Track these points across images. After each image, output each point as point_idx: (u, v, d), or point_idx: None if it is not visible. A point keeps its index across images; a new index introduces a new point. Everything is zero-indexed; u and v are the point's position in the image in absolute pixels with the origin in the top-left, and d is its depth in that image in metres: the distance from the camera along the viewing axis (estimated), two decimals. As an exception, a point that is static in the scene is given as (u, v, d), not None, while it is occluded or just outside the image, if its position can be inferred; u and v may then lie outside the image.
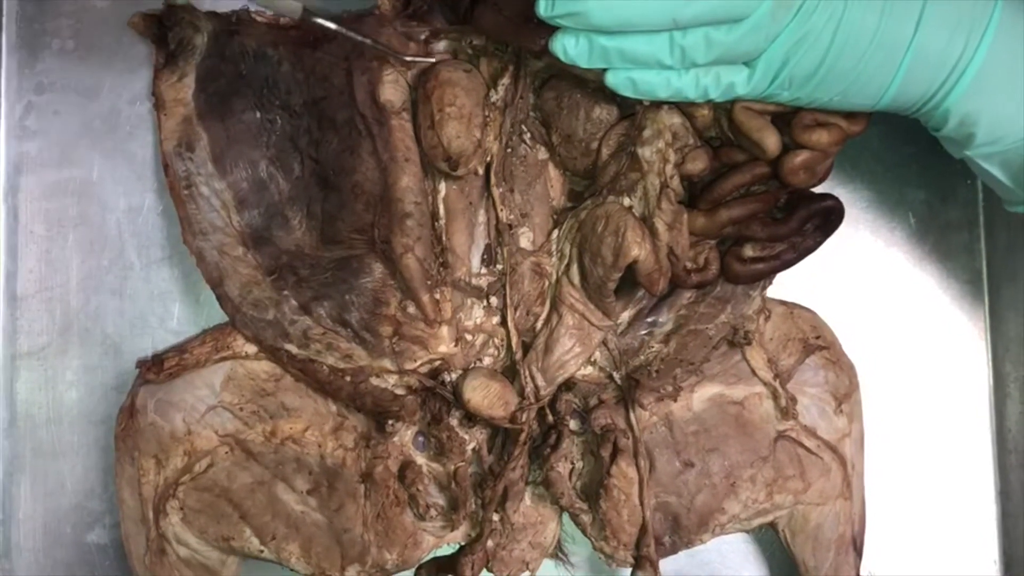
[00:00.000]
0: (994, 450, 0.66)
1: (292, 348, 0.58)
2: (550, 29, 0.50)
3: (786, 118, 0.54)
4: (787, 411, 0.60)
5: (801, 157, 0.54)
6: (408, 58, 0.57)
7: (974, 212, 0.66)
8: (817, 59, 0.49)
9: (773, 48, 0.49)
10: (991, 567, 0.65)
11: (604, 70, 0.50)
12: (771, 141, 0.53)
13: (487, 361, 0.59)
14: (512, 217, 0.59)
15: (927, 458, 0.65)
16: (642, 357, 0.59)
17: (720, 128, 0.55)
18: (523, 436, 0.57)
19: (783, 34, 0.49)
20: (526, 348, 0.59)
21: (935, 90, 0.50)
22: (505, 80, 0.57)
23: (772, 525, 0.61)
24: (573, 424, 0.59)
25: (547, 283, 0.59)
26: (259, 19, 0.58)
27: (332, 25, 0.55)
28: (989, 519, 0.65)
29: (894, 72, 0.50)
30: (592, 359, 0.59)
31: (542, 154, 0.59)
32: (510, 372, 0.59)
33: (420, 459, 0.59)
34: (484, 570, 0.59)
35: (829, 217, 0.56)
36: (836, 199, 0.56)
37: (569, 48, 0.50)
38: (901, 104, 0.52)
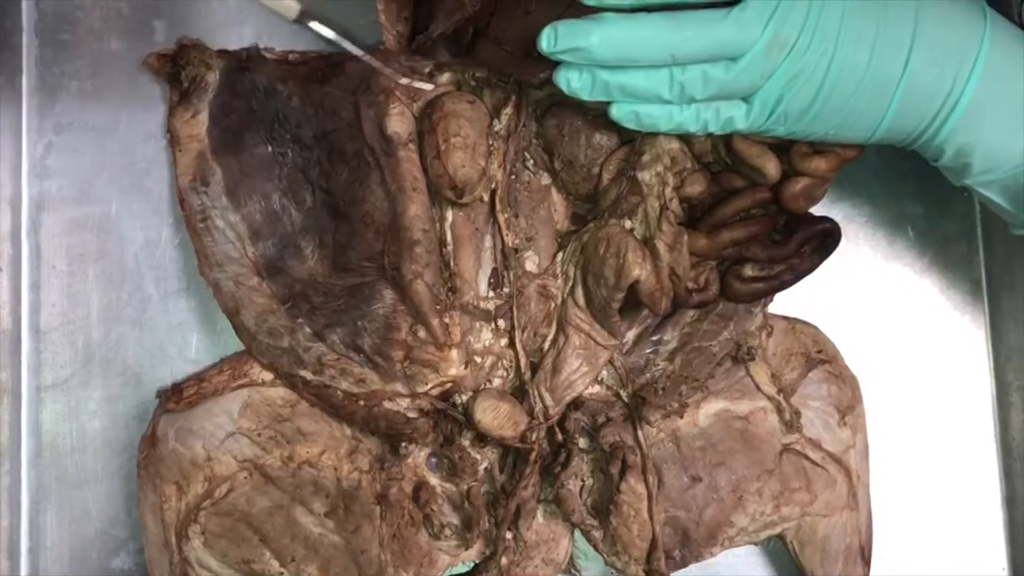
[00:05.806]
0: (999, 458, 0.66)
1: (307, 374, 0.59)
2: (551, 63, 0.51)
3: (783, 145, 0.54)
4: (791, 424, 0.61)
5: (801, 184, 0.54)
6: (404, 81, 0.57)
7: (972, 224, 0.66)
8: (811, 95, 0.50)
9: (769, 85, 0.50)
10: (999, 575, 0.65)
11: (608, 103, 0.51)
12: (771, 167, 0.54)
13: (496, 382, 0.60)
14: (518, 241, 0.59)
15: (932, 468, 0.65)
16: (648, 375, 0.60)
17: (717, 154, 0.56)
18: (533, 455, 0.58)
19: (778, 71, 0.49)
20: (534, 369, 0.59)
21: (928, 123, 0.51)
22: (508, 110, 0.58)
23: (780, 537, 0.62)
24: (582, 442, 0.60)
25: (553, 305, 0.59)
26: (268, 56, 0.60)
27: (330, 33, 0.54)
28: (996, 527, 0.66)
29: (886, 107, 0.50)
30: (599, 378, 0.60)
31: (545, 180, 0.60)
32: (519, 393, 0.59)
33: (433, 480, 0.60)
34: (498, 587, 0.59)
35: (826, 240, 0.57)
36: (833, 222, 0.56)
37: (572, 81, 0.50)
38: (895, 137, 0.52)
